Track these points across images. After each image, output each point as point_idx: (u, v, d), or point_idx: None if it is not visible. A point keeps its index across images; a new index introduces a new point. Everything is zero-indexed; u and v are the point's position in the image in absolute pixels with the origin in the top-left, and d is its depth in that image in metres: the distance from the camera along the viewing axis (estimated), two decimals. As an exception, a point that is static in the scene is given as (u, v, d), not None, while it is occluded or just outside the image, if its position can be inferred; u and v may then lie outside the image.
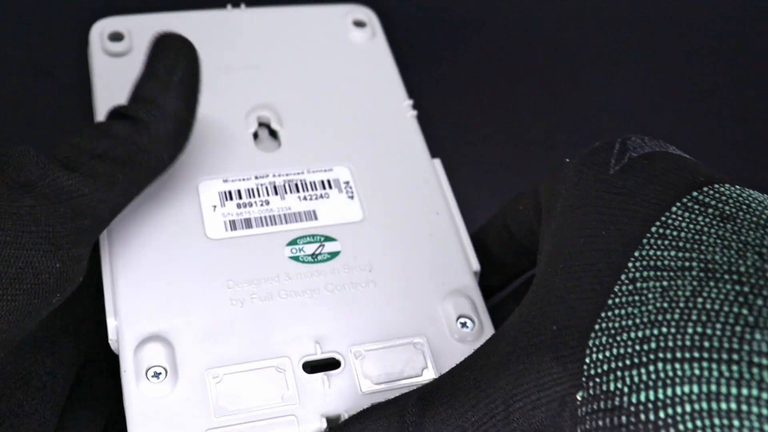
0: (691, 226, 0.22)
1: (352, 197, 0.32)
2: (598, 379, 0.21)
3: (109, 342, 0.28)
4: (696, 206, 0.23)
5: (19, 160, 0.25)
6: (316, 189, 0.32)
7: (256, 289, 0.29)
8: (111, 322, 0.28)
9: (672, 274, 0.21)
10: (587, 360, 0.21)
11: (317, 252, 0.31)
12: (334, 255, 0.31)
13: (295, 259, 0.30)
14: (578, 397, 0.21)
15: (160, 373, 0.27)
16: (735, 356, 0.19)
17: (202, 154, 0.32)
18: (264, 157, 0.33)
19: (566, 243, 0.24)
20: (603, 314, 0.22)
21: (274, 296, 0.29)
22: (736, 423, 0.19)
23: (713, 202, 0.23)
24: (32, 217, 0.24)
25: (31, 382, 0.26)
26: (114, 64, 0.34)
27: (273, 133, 0.34)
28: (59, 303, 0.25)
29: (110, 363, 0.29)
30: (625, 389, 0.20)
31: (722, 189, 0.23)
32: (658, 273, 0.22)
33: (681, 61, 0.49)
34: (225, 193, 0.31)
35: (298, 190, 0.32)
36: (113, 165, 0.26)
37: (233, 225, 0.31)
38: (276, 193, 0.32)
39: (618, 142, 0.25)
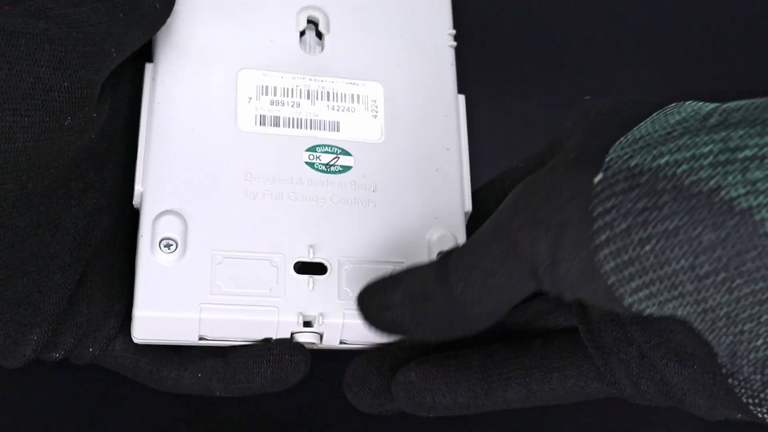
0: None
1: (375, 116, 0.35)
2: (620, 161, 0.24)
3: (133, 204, 0.32)
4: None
5: None
6: (344, 101, 0.35)
7: (270, 187, 0.33)
8: (137, 188, 0.32)
9: (693, 107, 0.25)
10: (608, 158, 0.24)
11: (331, 162, 0.34)
12: (345, 169, 0.34)
13: (310, 165, 0.33)
14: (597, 178, 0.24)
15: (171, 245, 0.31)
16: (758, 122, 0.23)
17: (247, 42, 0.35)
18: (305, 58, 0.35)
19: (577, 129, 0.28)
20: (624, 136, 0.25)
21: (283, 196, 0.33)
22: (752, 165, 0.22)
23: None
24: (45, 37, 0.27)
25: (59, 226, 0.30)
26: None
27: (318, 35, 0.36)
28: (76, 136, 0.29)
29: (131, 230, 0.33)
30: (648, 159, 0.23)
31: None
32: (675, 109, 0.25)
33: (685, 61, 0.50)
34: (262, 87, 0.34)
35: (328, 99, 0.35)
36: (113, 5, 0.30)
37: (263, 120, 0.34)
38: (308, 98, 0.34)
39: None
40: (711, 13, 0.50)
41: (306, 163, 0.33)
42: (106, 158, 0.32)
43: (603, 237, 0.24)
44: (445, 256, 0.28)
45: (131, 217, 0.33)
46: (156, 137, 0.32)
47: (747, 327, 0.23)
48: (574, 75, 0.45)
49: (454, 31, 0.37)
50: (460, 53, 0.36)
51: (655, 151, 0.23)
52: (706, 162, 0.22)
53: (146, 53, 0.34)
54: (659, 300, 0.24)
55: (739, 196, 0.22)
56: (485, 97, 0.42)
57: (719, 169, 0.22)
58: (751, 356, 0.24)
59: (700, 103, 0.26)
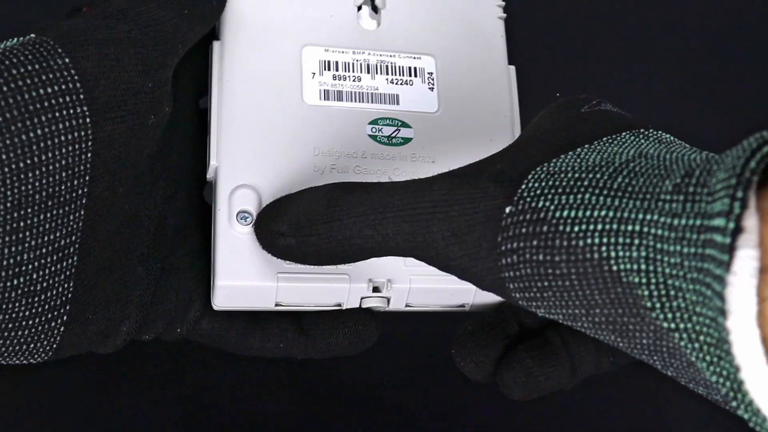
0: (634, 141, 0.27)
1: (432, 89, 0.36)
2: (528, 200, 0.25)
3: (207, 178, 0.34)
4: (642, 133, 0.28)
5: None
6: (402, 74, 0.36)
7: (336, 162, 0.34)
8: (212, 163, 0.33)
9: (612, 151, 0.26)
10: (523, 187, 0.26)
11: (393, 135, 0.35)
12: (406, 141, 0.35)
13: (373, 138, 0.35)
14: (507, 210, 0.25)
15: (247, 217, 0.33)
16: (648, 195, 0.24)
17: (308, 18, 0.36)
18: (363, 33, 0.36)
19: (527, 134, 0.30)
20: (546, 164, 0.26)
21: (349, 171, 0.34)
22: (636, 242, 0.23)
23: (656, 134, 0.28)
24: (130, 41, 0.28)
25: (136, 221, 0.31)
26: None
27: (374, 9, 0.37)
28: (154, 132, 0.30)
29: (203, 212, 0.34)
30: (551, 207, 0.25)
31: (665, 134, 0.28)
32: (601, 146, 0.27)
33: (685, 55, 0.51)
34: (325, 62, 0.35)
35: (387, 73, 0.36)
36: (178, 1, 0.31)
37: (326, 95, 0.35)
38: (368, 72, 0.36)
39: (596, 99, 0.30)
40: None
41: (369, 135, 0.35)
42: (171, 146, 0.33)
43: (508, 274, 0.25)
44: (346, 189, 0.29)
45: (200, 200, 0.34)
46: (226, 114, 0.34)
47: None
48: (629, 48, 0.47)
49: (503, 3, 0.38)
50: (510, 24, 0.38)
51: (558, 200, 0.25)
52: (599, 227, 0.24)
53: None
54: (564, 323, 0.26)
55: (625, 270, 0.23)
56: (536, 68, 0.44)
57: (609, 238, 0.23)
58: None
59: (631, 139, 0.27)
